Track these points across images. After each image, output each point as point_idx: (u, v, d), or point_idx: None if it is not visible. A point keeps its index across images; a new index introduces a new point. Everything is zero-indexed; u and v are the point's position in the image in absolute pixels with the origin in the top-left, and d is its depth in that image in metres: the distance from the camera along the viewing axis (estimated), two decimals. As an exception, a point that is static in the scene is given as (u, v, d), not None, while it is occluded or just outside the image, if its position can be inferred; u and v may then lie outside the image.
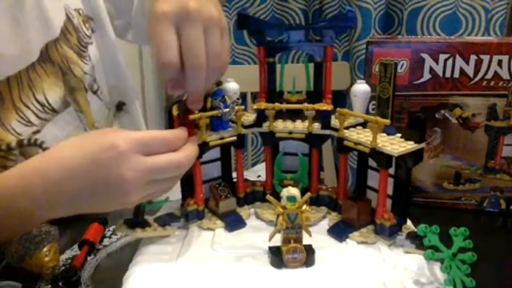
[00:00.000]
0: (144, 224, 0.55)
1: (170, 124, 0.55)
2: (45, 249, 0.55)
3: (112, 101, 0.81)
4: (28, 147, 0.67)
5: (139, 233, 0.54)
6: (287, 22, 1.37)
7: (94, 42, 0.76)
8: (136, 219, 0.54)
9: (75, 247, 0.61)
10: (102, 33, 0.78)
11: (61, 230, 0.60)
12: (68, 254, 0.60)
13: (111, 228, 0.66)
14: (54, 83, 0.69)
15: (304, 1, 1.37)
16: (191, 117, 0.54)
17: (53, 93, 0.69)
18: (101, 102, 0.77)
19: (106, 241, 0.63)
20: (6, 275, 0.56)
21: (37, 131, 0.68)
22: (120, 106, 0.83)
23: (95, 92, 0.76)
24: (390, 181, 0.53)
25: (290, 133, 0.59)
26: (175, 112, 0.54)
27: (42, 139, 0.68)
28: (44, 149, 0.67)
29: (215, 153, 0.61)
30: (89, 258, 0.59)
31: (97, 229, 0.63)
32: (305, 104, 0.58)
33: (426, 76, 0.70)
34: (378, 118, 0.51)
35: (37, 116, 0.68)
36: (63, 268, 0.55)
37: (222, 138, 0.57)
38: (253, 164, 1.38)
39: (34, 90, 0.67)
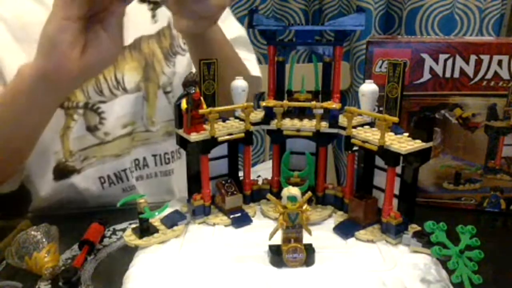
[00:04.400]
0: (152, 230, 0.54)
1: (180, 118, 0.56)
2: (45, 249, 0.55)
3: None
4: (89, 111, 0.77)
5: (149, 241, 0.53)
6: (287, 22, 1.37)
7: (187, 57, 0.84)
8: (142, 226, 0.54)
9: (75, 247, 0.61)
10: None
11: (61, 230, 0.60)
12: (68, 254, 0.60)
13: (111, 228, 0.66)
14: (135, 68, 0.80)
15: (304, 1, 1.37)
16: (201, 111, 0.54)
17: (131, 75, 0.80)
18: (169, 105, 0.84)
19: (106, 241, 0.63)
20: (6, 275, 0.56)
21: (103, 101, 0.78)
22: None
23: (166, 93, 0.84)
24: (397, 180, 0.53)
25: (298, 131, 0.59)
26: (183, 106, 0.54)
27: (103, 109, 0.78)
28: (101, 118, 0.78)
29: (222, 150, 0.61)
30: (89, 258, 0.59)
31: (97, 229, 0.63)
32: (314, 102, 0.58)
33: (426, 76, 0.70)
34: (386, 116, 0.51)
35: (110, 89, 0.78)
36: (63, 268, 0.55)
37: (230, 134, 0.57)
38: (253, 164, 1.38)
39: (116, 68, 0.78)
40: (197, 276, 0.48)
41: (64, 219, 0.71)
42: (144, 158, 0.84)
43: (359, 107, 0.57)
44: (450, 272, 0.46)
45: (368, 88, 0.56)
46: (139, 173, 0.84)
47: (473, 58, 0.68)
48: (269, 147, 1.40)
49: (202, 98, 0.56)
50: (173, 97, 0.84)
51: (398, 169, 0.53)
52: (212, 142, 0.56)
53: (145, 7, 0.81)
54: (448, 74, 0.69)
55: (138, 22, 0.79)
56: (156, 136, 0.84)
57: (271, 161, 0.64)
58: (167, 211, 0.57)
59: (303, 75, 0.61)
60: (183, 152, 0.83)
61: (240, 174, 0.64)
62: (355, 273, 0.48)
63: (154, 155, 0.84)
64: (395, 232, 0.53)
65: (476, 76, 0.68)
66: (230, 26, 0.90)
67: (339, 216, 0.59)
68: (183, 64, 0.85)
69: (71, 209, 0.81)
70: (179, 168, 0.87)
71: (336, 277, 0.47)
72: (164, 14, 0.82)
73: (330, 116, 0.58)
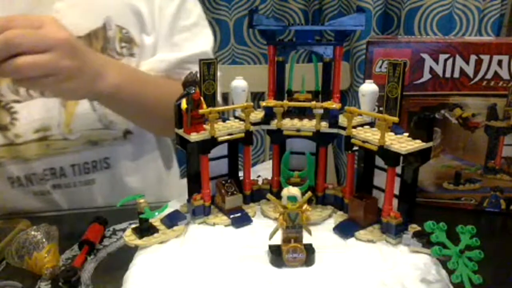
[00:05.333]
0: (152, 230, 0.54)
1: (180, 118, 0.56)
2: (45, 249, 0.55)
3: (120, 126, 0.81)
4: (1, 109, 0.73)
5: (149, 241, 0.53)
6: (287, 22, 1.37)
7: (123, 62, 0.77)
8: (142, 226, 0.54)
9: (75, 247, 0.61)
10: (140, 63, 0.79)
11: (61, 230, 0.60)
12: (68, 254, 0.61)
13: (111, 228, 0.66)
14: None
15: (304, 1, 1.37)
16: (200, 111, 0.54)
17: None
18: (94, 113, 0.78)
19: (106, 241, 0.63)
20: (6, 275, 0.56)
21: (17, 101, 0.74)
22: (125, 135, 0.83)
23: (91, 100, 0.77)
24: (397, 180, 0.53)
25: (298, 131, 0.59)
26: (183, 106, 0.54)
27: (16, 109, 0.74)
28: (13, 119, 0.74)
29: (222, 150, 0.61)
30: (89, 258, 0.59)
31: (97, 229, 0.63)
32: (314, 102, 0.58)
33: (426, 76, 0.70)
34: (386, 116, 0.51)
35: (27, 90, 0.74)
36: (63, 268, 0.55)
37: (230, 134, 0.57)
38: (253, 164, 1.38)
39: None
40: (197, 276, 0.48)
41: (64, 219, 0.71)
42: (61, 168, 0.78)
43: (359, 107, 0.57)
44: (450, 272, 0.46)
45: (368, 88, 0.56)
46: (56, 181, 0.79)
47: (473, 58, 0.68)
48: (269, 147, 1.41)
49: (202, 98, 0.56)
50: (99, 104, 0.77)
51: (398, 169, 0.53)
52: (212, 142, 0.56)
53: (76, 7, 0.74)
54: (448, 74, 0.69)
55: (66, 21, 0.66)
56: (74, 145, 0.78)
57: (271, 161, 0.64)
58: (167, 211, 0.57)
59: (303, 75, 0.61)
60: (111, 163, 0.81)
61: (240, 174, 0.64)
62: (355, 273, 0.48)
63: (73, 165, 0.79)
64: (395, 232, 0.53)
65: (476, 76, 0.68)
66: (195, 39, 0.84)
67: (339, 216, 0.59)
68: None
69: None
70: (104, 179, 0.82)
71: (336, 277, 0.47)
72: (100, 14, 0.76)
73: (330, 116, 0.58)
